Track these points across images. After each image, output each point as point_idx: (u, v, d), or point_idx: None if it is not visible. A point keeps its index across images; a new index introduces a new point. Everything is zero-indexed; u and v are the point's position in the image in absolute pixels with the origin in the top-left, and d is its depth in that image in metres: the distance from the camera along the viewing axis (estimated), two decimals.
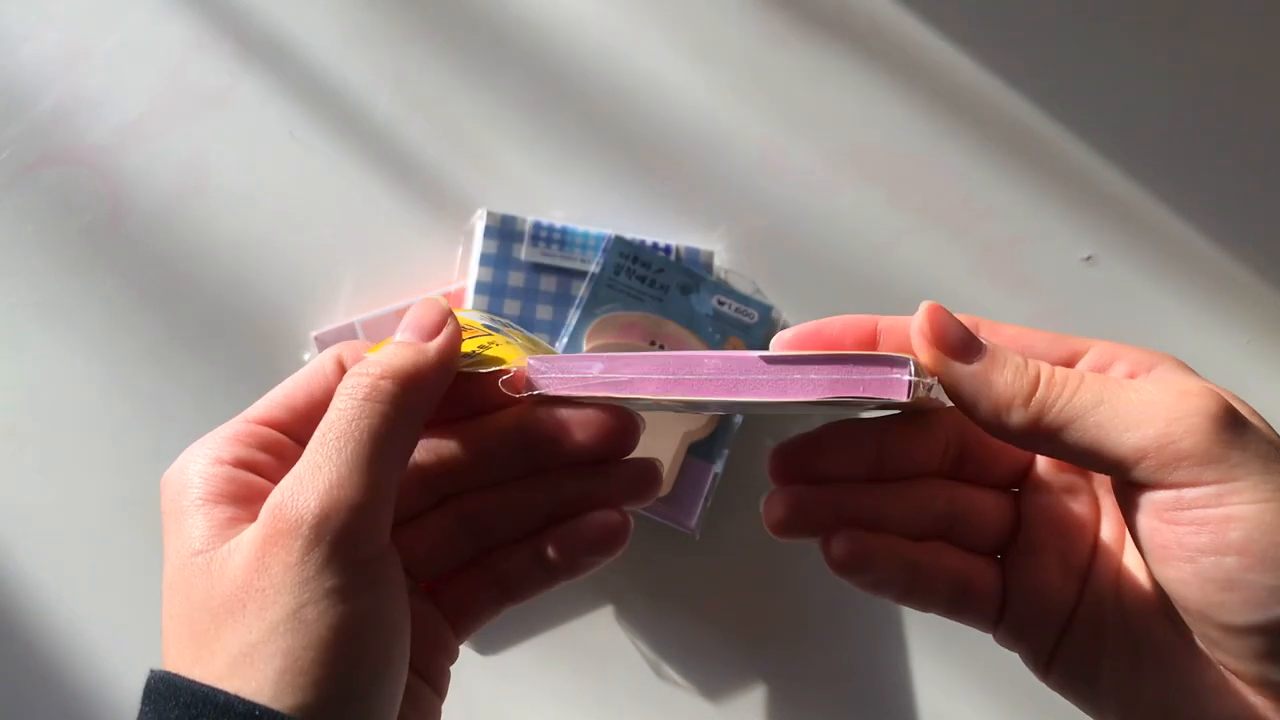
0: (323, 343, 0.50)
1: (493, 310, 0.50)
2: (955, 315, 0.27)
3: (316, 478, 0.25)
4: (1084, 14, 0.58)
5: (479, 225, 0.51)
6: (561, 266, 0.51)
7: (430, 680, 0.30)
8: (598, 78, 0.55)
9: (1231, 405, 0.25)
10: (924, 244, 0.55)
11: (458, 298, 0.51)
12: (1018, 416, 0.26)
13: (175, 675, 0.25)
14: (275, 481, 0.27)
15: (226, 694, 0.24)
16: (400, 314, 0.51)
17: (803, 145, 0.55)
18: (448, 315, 0.31)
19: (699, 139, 0.55)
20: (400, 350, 0.29)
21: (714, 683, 0.50)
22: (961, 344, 0.27)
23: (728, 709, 0.50)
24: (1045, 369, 0.27)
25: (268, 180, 0.53)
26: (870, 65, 0.57)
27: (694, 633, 0.50)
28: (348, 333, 0.50)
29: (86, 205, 0.52)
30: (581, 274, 0.51)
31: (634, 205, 0.54)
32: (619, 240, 0.47)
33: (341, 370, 0.30)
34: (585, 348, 0.47)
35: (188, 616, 0.27)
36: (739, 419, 0.50)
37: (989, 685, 0.50)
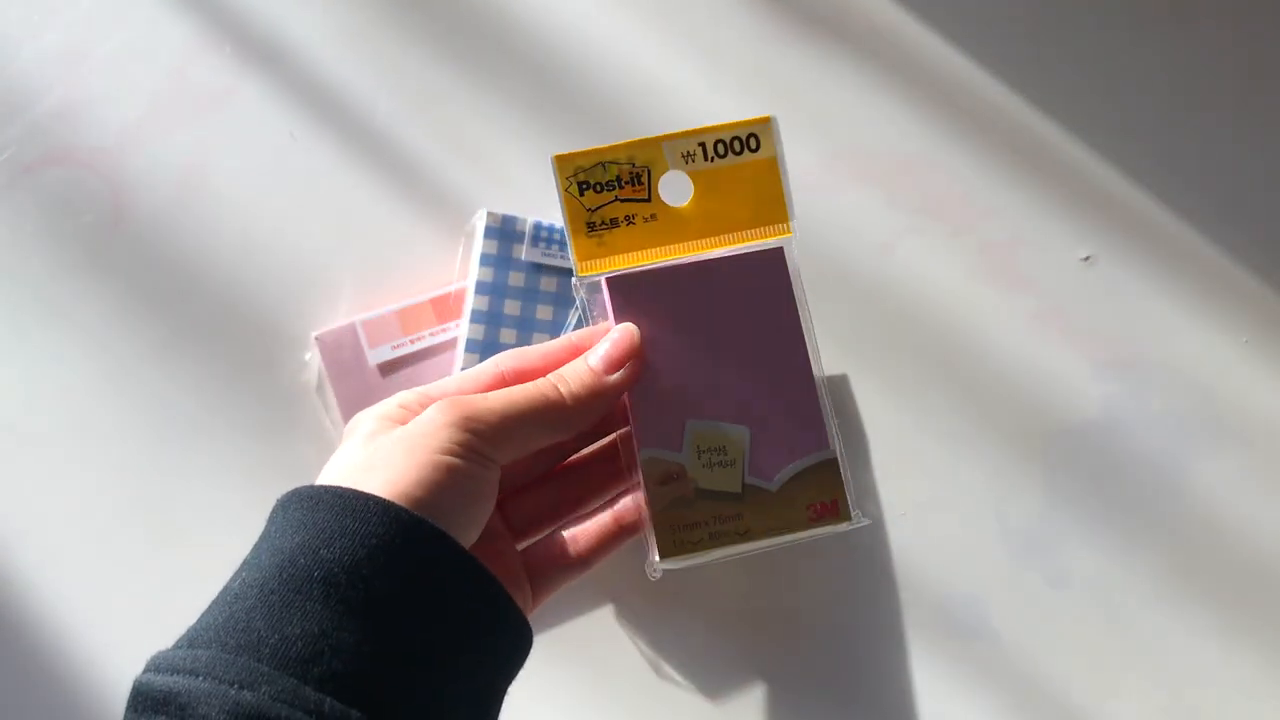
0: (323, 343, 0.50)
1: (493, 310, 0.50)
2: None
3: (481, 403, 0.36)
4: (1083, 14, 0.58)
5: (479, 225, 0.51)
6: (562, 267, 0.51)
7: None
8: (598, 78, 0.56)
9: None
10: (923, 244, 0.55)
11: (458, 298, 0.51)
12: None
13: (297, 487, 0.34)
14: None
15: (334, 486, 0.33)
16: (401, 314, 0.51)
17: (802, 145, 0.56)
18: (637, 352, 0.40)
19: None
20: (587, 378, 0.39)
21: (714, 682, 0.50)
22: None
23: (728, 708, 0.50)
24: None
25: (269, 181, 0.53)
26: (869, 65, 0.57)
27: (694, 632, 0.51)
28: (348, 333, 0.50)
29: (87, 206, 0.52)
30: None
31: None
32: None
33: (498, 376, 0.40)
34: None
35: (350, 461, 0.35)
36: None
37: (989, 686, 0.51)
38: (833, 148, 0.56)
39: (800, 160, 0.56)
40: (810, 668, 0.51)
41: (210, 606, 0.32)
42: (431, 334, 0.51)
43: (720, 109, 0.56)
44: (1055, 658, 0.51)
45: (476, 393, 0.38)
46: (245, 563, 0.32)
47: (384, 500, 0.31)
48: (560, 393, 0.38)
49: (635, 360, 0.39)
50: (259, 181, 0.53)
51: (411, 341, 0.50)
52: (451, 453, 0.34)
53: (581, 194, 0.41)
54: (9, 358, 0.51)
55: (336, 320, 0.51)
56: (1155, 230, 0.56)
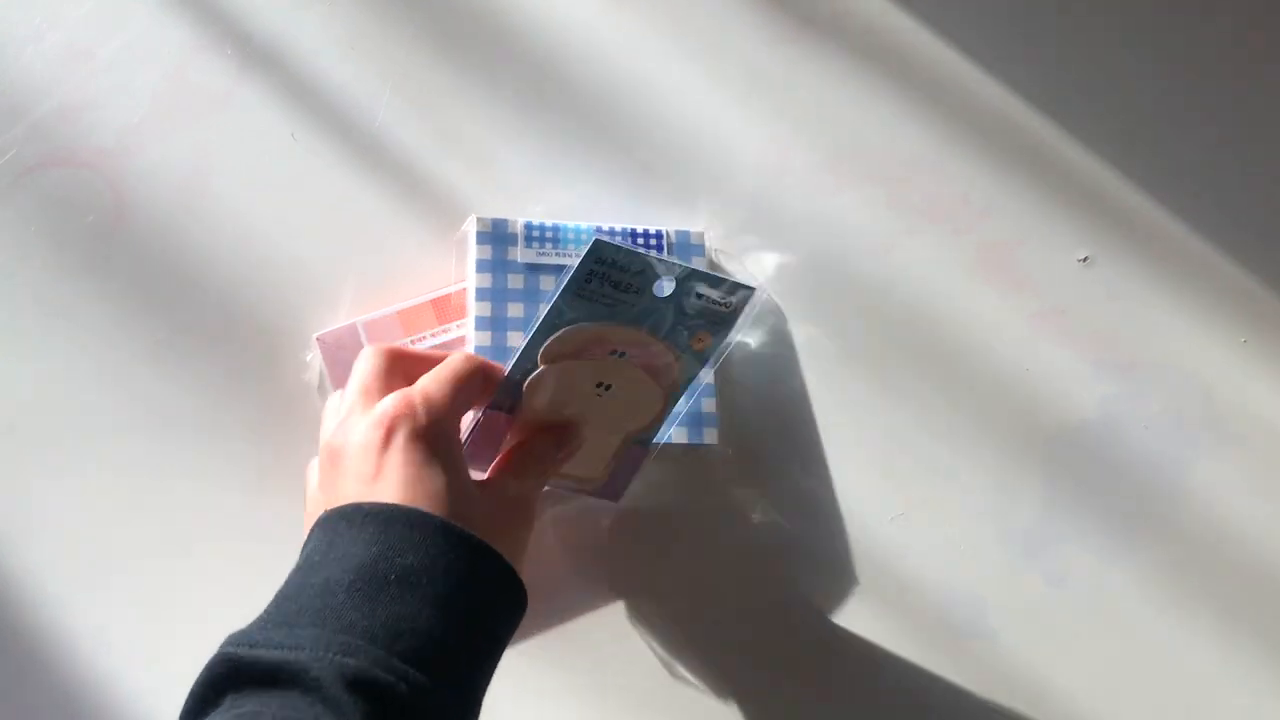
0: (324, 343, 0.50)
1: (496, 315, 0.50)
2: None
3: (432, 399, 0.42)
4: (1082, 15, 0.58)
5: (470, 231, 0.51)
6: (559, 264, 0.51)
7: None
8: (597, 79, 0.56)
9: None
10: (922, 244, 0.55)
11: (459, 298, 0.51)
12: None
13: (345, 505, 0.38)
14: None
15: (417, 511, 0.37)
16: (401, 314, 0.51)
17: (802, 146, 0.56)
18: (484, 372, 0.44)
19: (698, 140, 0.55)
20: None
21: (729, 683, 0.50)
22: None
23: (742, 709, 0.50)
24: None
25: (270, 182, 0.53)
26: (869, 66, 0.57)
27: (705, 632, 0.51)
28: (350, 333, 0.50)
29: (89, 207, 0.52)
30: None
31: (633, 206, 0.55)
32: (598, 245, 0.41)
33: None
34: (541, 365, 0.44)
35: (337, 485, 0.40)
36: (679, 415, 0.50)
37: (989, 686, 0.51)
38: (833, 148, 0.56)
39: (800, 160, 0.56)
40: (813, 667, 0.51)
41: (279, 600, 0.36)
42: (432, 334, 0.51)
43: (720, 110, 0.56)
44: (1054, 657, 0.51)
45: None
46: (321, 564, 0.36)
47: (444, 520, 0.37)
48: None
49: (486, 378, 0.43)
50: (260, 182, 0.53)
51: (412, 342, 0.50)
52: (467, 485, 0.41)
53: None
54: (10, 358, 0.51)
55: (337, 320, 0.51)
56: (1154, 231, 0.56)
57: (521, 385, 0.44)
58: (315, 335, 0.50)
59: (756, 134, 0.56)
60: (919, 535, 0.52)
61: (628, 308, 0.43)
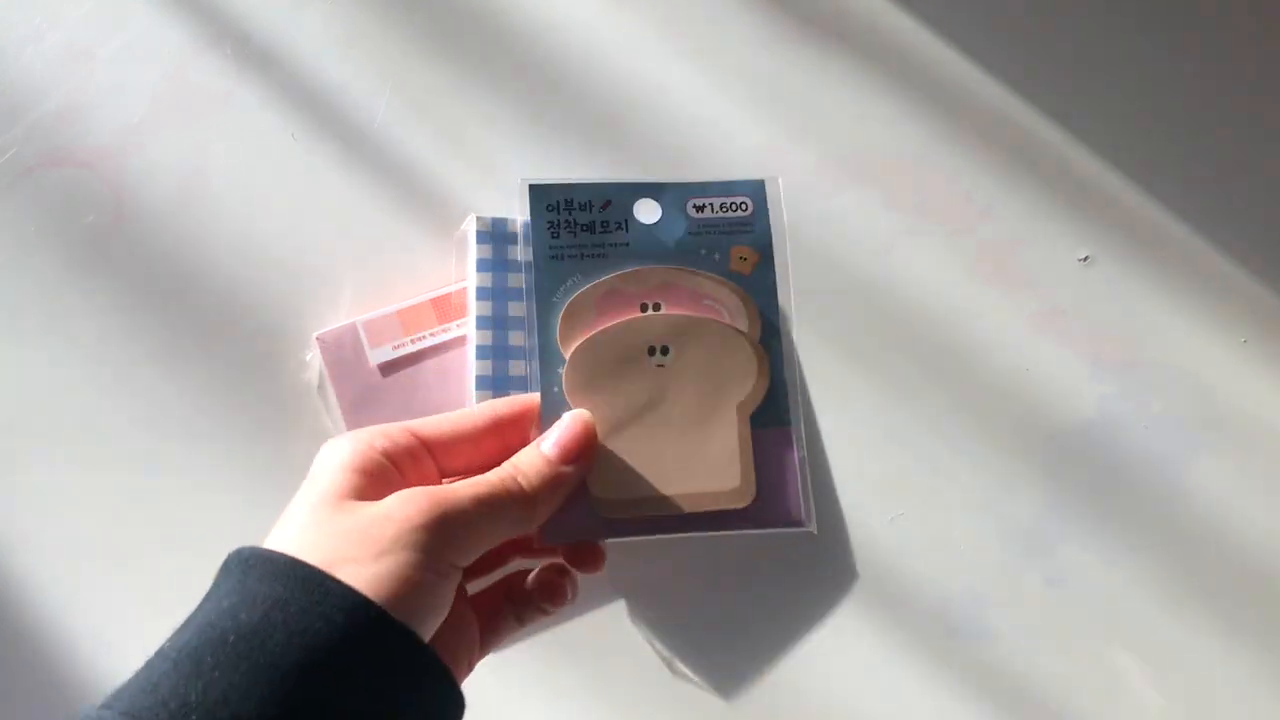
0: (324, 343, 0.50)
1: (498, 314, 0.50)
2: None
3: (457, 496, 0.34)
4: (1081, 15, 0.58)
5: (470, 231, 0.51)
6: None
7: (454, 663, 0.37)
8: (597, 79, 0.56)
9: None
10: (922, 244, 0.55)
11: (459, 297, 0.51)
12: None
13: (243, 546, 0.33)
14: (402, 471, 0.36)
15: (272, 550, 0.33)
16: (401, 314, 0.51)
17: (802, 145, 0.56)
18: (592, 441, 0.37)
19: (697, 140, 0.55)
20: (545, 471, 0.37)
21: (729, 682, 0.50)
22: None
23: (742, 707, 0.50)
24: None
25: (269, 181, 0.53)
26: (869, 66, 0.57)
27: (705, 631, 0.51)
28: (349, 333, 0.50)
29: (89, 206, 0.52)
30: None
31: None
32: (535, 191, 0.36)
33: (493, 425, 0.39)
34: (566, 354, 0.38)
35: (315, 534, 0.34)
36: (790, 371, 0.38)
37: (989, 686, 0.51)
38: (832, 148, 0.56)
39: (800, 160, 0.56)
40: (813, 666, 0.51)
41: (146, 662, 0.32)
42: (432, 334, 0.51)
43: (720, 110, 0.56)
44: (1054, 657, 0.51)
45: (467, 434, 0.38)
46: (184, 621, 0.33)
47: (314, 570, 0.31)
48: (522, 487, 0.36)
49: (591, 450, 0.38)
50: (260, 182, 0.53)
51: (413, 341, 0.50)
52: (420, 565, 0.32)
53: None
54: (10, 358, 0.51)
55: (337, 320, 0.51)
56: (1154, 231, 0.56)
57: (565, 399, 0.36)
58: (315, 335, 0.50)
59: (756, 133, 0.56)
60: (919, 535, 0.52)
61: (621, 250, 0.36)
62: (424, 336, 0.51)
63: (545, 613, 0.41)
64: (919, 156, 0.56)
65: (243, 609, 0.30)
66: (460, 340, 0.51)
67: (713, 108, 0.56)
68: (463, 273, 0.52)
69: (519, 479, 0.36)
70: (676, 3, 0.57)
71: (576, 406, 0.36)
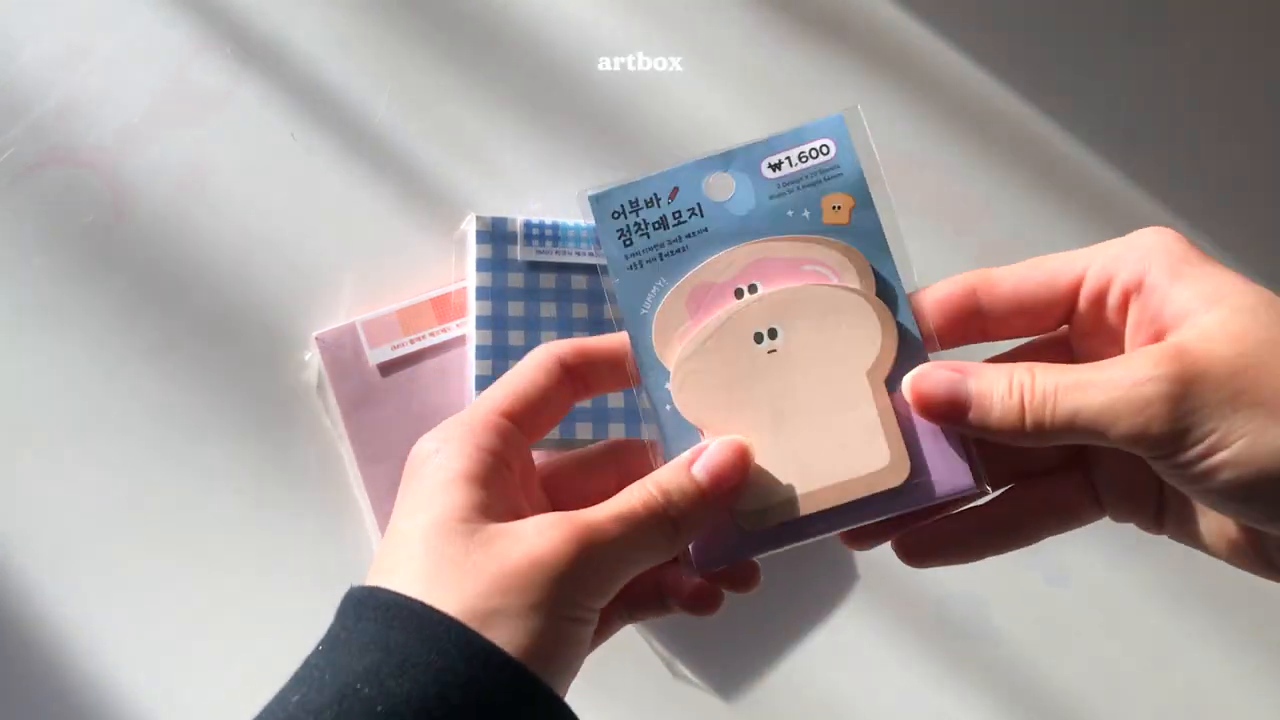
0: (323, 343, 0.50)
1: (497, 313, 0.50)
2: (937, 372, 0.31)
3: (599, 521, 0.30)
4: (1082, 15, 0.58)
5: (470, 231, 0.51)
6: (558, 262, 0.51)
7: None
8: (597, 79, 0.56)
9: (1188, 372, 0.27)
10: (924, 244, 0.55)
11: (459, 297, 0.51)
12: (1027, 439, 0.29)
13: (372, 586, 0.29)
14: (510, 467, 0.31)
15: (411, 599, 0.28)
16: (401, 313, 0.51)
17: None
18: (746, 467, 0.32)
19: (698, 140, 0.55)
20: (691, 491, 0.32)
21: (729, 681, 0.50)
22: (951, 410, 0.30)
23: (742, 707, 0.50)
24: (1027, 389, 0.29)
25: (269, 181, 0.53)
26: (869, 66, 0.57)
27: (706, 631, 0.51)
28: (349, 333, 0.50)
29: (88, 206, 0.52)
30: (580, 267, 0.51)
31: None
32: (596, 202, 0.33)
33: (561, 369, 0.33)
34: (670, 364, 0.32)
35: (449, 573, 0.29)
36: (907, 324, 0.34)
37: (989, 686, 0.51)
38: None
39: None
40: (814, 666, 0.51)
41: (261, 715, 0.28)
42: (431, 334, 0.51)
43: (720, 110, 0.56)
44: (1055, 657, 0.51)
45: (532, 396, 0.32)
46: (307, 668, 0.28)
47: (464, 629, 0.27)
48: (665, 508, 0.31)
49: (740, 478, 0.32)
50: (259, 181, 0.53)
51: (412, 341, 0.50)
52: (573, 618, 0.29)
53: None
54: (9, 357, 0.51)
55: (337, 320, 0.51)
56: None
57: (682, 417, 0.32)
58: (314, 334, 0.50)
59: (756, 133, 0.56)
60: None
61: (702, 237, 0.33)
62: (423, 336, 0.50)
63: (666, 611, 0.37)
64: (920, 155, 0.56)
65: (388, 674, 0.26)
66: (460, 340, 0.50)
67: (713, 107, 0.56)
68: (462, 273, 0.52)
69: (661, 499, 0.31)
70: (676, 3, 0.57)
71: (695, 422, 0.32)
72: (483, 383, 0.49)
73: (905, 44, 0.57)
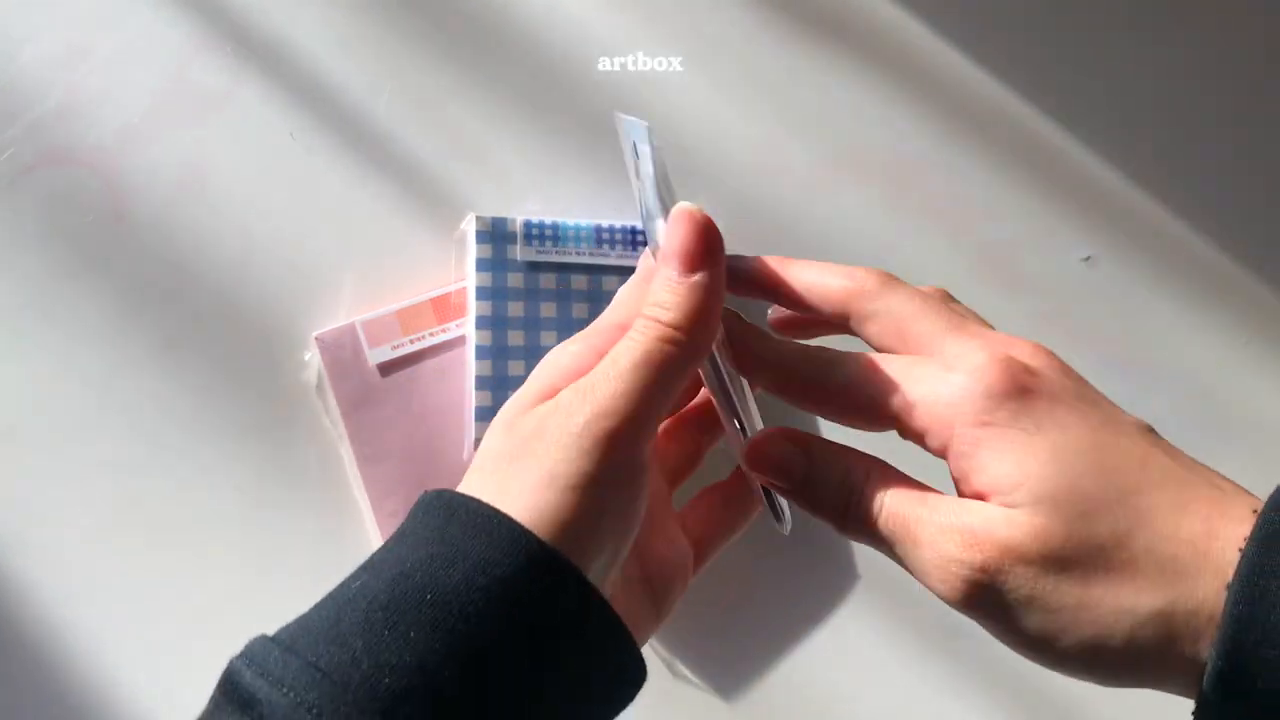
0: (323, 343, 0.50)
1: (496, 313, 0.50)
2: (780, 445, 0.34)
3: (603, 387, 0.31)
4: (1082, 15, 0.58)
5: (470, 230, 0.51)
6: (558, 262, 0.51)
7: (658, 598, 0.36)
8: (597, 79, 0.56)
9: (989, 562, 0.29)
10: (923, 244, 0.55)
11: (459, 297, 0.51)
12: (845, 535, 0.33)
13: (442, 489, 0.31)
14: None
15: (477, 499, 0.30)
16: (400, 314, 0.51)
17: (802, 145, 0.56)
18: (711, 236, 0.32)
19: (698, 139, 0.55)
20: (680, 294, 0.32)
21: (729, 681, 0.50)
22: (786, 477, 0.34)
23: (742, 707, 0.50)
24: (854, 498, 0.32)
25: (268, 181, 0.53)
26: (869, 66, 0.57)
27: (706, 631, 0.51)
28: (348, 333, 0.50)
29: (87, 206, 0.52)
30: (580, 267, 0.51)
31: (632, 205, 0.54)
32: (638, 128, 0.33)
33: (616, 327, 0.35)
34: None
35: (483, 460, 0.32)
36: None
37: (989, 686, 0.51)
38: (833, 148, 0.56)
39: (800, 160, 0.56)
40: (814, 666, 0.51)
41: (325, 600, 0.30)
42: (431, 334, 0.51)
43: (720, 109, 0.56)
44: None
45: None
46: (370, 560, 0.30)
47: (518, 526, 0.28)
48: (664, 323, 0.31)
49: (714, 243, 0.32)
50: (259, 181, 0.53)
51: (411, 341, 0.50)
52: (587, 473, 0.30)
53: None
54: (9, 358, 0.51)
55: (336, 320, 0.51)
56: (1156, 231, 0.56)
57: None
58: (314, 334, 0.50)
59: (756, 133, 0.56)
60: None
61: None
62: (423, 336, 0.50)
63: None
64: (920, 155, 0.56)
65: (440, 565, 0.28)
66: (459, 340, 0.50)
67: (713, 107, 0.56)
68: (462, 273, 0.52)
69: (659, 316, 0.31)
70: (676, 2, 0.57)
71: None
72: (483, 383, 0.49)
73: (905, 44, 0.57)
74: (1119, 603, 0.28)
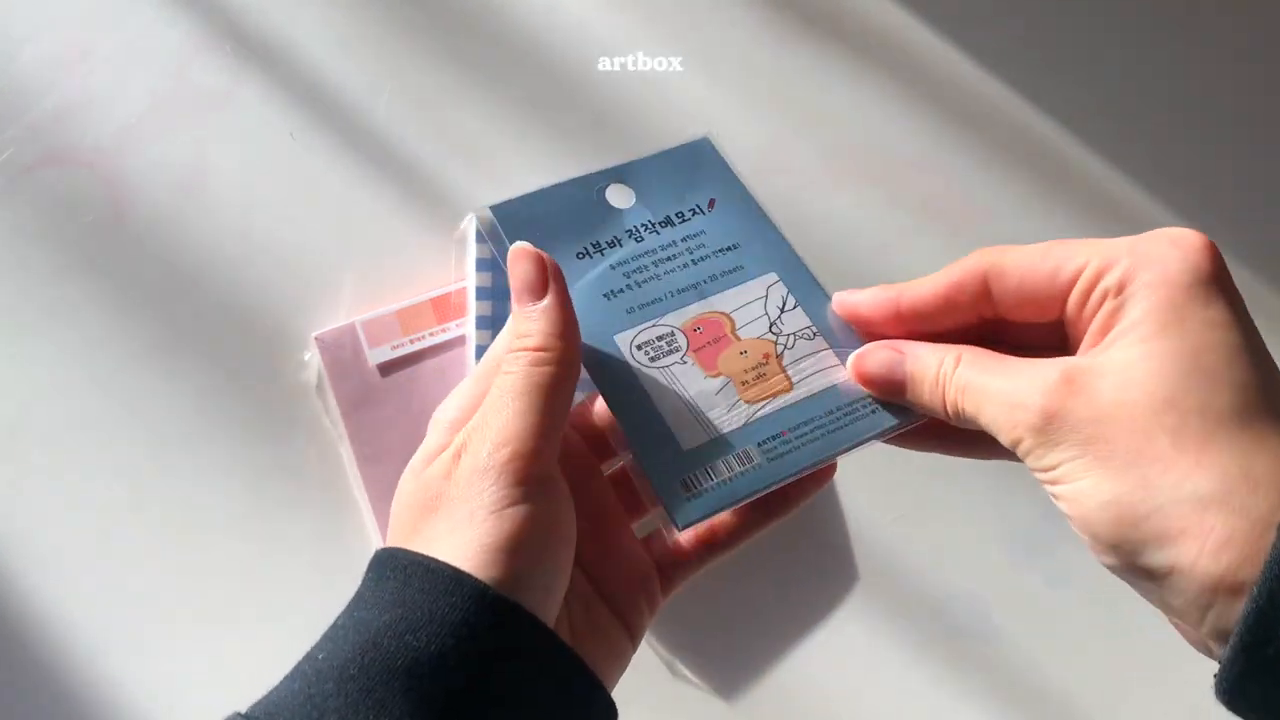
0: (323, 343, 0.50)
1: (496, 314, 0.50)
2: (878, 353, 0.35)
3: (495, 419, 0.32)
4: (1083, 15, 0.58)
5: (470, 230, 0.51)
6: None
7: (625, 619, 0.35)
8: (597, 79, 0.56)
9: (1060, 406, 0.28)
10: (923, 244, 0.55)
11: (458, 297, 0.51)
12: (955, 422, 0.32)
13: (395, 548, 0.31)
14: None
15: (430, 558, 0.30)
16: (400, 314, 0.51)
17: (802, 145, 0.56)
18: (543, 261, 0.34)
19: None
20: (535, 319, 0.34)
21: (729, 681, 0.50)
22: (889, 388, 0.35)
23: (742, 707, 0.50)
24: (946, 381, 0.32)
25: (268, 181, 0.53)
26: (869, 65, 0.57)
27: (706, 631, 0.51)
28: (348, 333, 0.50)
29: (87, 206, 0.52)
30: None
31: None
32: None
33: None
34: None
35: (400, 514, 0.33)
36: None
37: (989, 686, 0.51)
38: (833, 148, 0.56)
39: (800, 160, 0.56)
40: (815, 666, 0.51)
41: (291, 674, 0.29)
42: (431, 334, 0.51)
43: (719, 109, 0.56)
44: (1055, 657, 0.51)
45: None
46: (334, 628, 0.30)
47: (469, 578, 0.29)
48: (530, 348, 0.33)
49: (549, 267, 0.34)
50: (259, 181, 0.53)
51: (411, 341, 0.50)
52: (503, 498, 0.30)
53: None
54: (9, 357, 0.50)
55: (336, 320, 0.51)
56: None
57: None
58: (314, 335, 0.50)
59: (756, 133, 0.56)
60: (920, 535, 0.52)
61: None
62: (423, 336, 0.50)
63: (769, 519, 0.39)
64: (920, 155, 0.56)
65: (406, 628, 0.28)
66: (459, 340, 0.50)
67: (713, 107, 0.56)
68: (462, 273, 0.52)
69: (526, 344, 0.33)
70: (676, 2, 0.57)
71: None
72: None
73: (905, 44, 0.57)
74: (1179, 477, 0.26)
